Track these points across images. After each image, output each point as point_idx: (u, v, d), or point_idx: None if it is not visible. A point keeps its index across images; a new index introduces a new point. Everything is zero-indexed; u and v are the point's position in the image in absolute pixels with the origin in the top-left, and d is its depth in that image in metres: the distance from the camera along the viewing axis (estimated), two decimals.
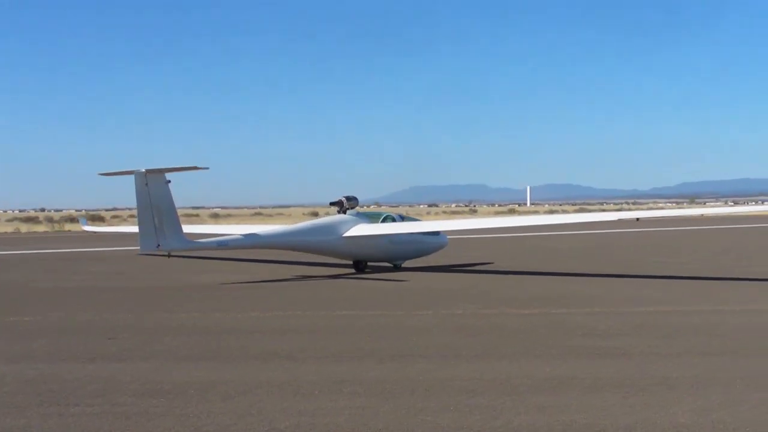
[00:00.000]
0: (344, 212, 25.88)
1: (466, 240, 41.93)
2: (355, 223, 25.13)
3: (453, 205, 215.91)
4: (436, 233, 27.12)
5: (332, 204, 26.53)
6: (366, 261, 25.81)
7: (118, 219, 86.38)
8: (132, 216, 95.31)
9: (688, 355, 10.98)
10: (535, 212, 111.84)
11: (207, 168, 21.89)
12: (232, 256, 30.93)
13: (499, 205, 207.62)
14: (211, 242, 23.47)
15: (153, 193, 20.83)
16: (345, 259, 25.76)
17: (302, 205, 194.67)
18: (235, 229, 27.57)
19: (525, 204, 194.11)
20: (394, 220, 26.24)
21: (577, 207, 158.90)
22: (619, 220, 26.97)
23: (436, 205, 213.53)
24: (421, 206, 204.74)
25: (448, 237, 28.43)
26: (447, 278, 22.82)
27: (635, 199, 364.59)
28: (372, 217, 26.29)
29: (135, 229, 23.06)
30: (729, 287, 19.43)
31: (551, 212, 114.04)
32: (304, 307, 16.46)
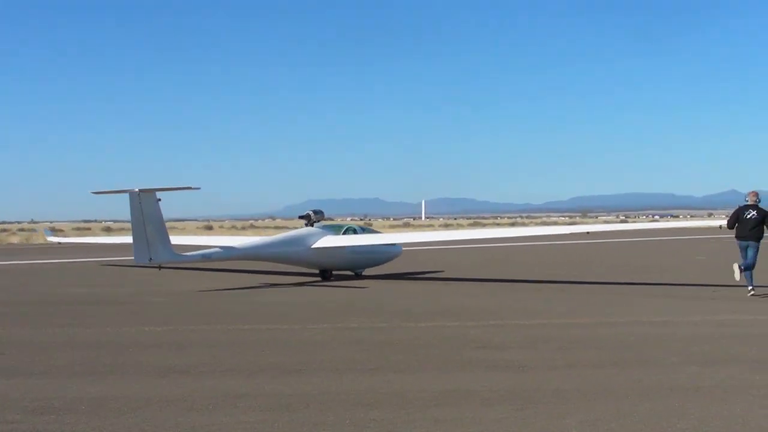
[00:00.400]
0: (312, 225, 27.96)
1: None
2: (323, 235, 27.09)
3: (348, 219, 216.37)
4: (392, 244, 29.43)
5: (301, 217, 28.94)
6: (331, 270, 27.44)
7: (81, 231, 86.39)
8: (105, 228, 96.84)
9: (580, 368, 11.19)
10: (430, 226, 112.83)
11: (198, 188, 23.96)
12: (211, 267, 31.27)
13: (394, 219, 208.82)
14: (196, 255, 25.18)
15: (145, 210, 22.67)
16: (313, 268, 27.48)
17: (195, 219, 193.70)
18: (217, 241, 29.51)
19: (420, 218, 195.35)
20: (355, 231, 28.48)
21: (471, 221, 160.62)
22: (588, 233, 28.97)
23: (332, 219, 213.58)
24: None
25: (403, 248, 30.95)
26: (350, 291, 22.84)
27: (529, 212, 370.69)
28: (336, 230, 28.30)
29: (98, 239, 25.59)
30: (620, 300, 19.83)
31: (446, 226, 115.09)
32: (207, 321, 16.33)
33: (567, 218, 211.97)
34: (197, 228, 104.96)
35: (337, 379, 10.52)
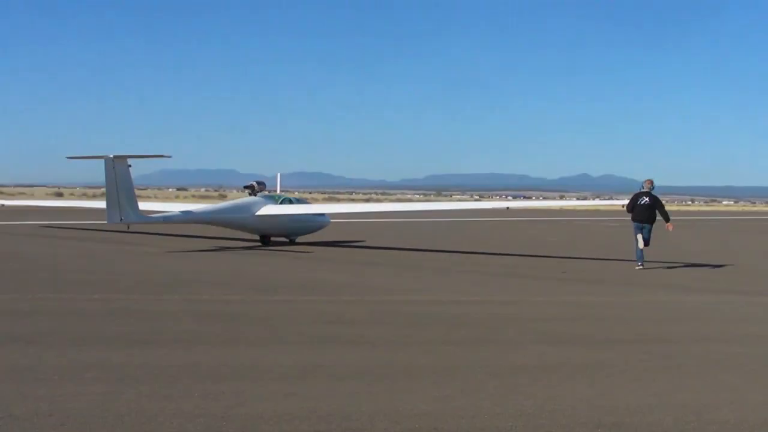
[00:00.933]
0: (254, 195, 30.56)
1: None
2: (264, 204, 29.74)
3: (203, 189, 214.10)
4: (322, 215, 32.18)
5: (245, 188, 31.70)
6: (270, 236, 30.16)
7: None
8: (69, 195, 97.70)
9: (431, 344, 11.33)
10: None
11: (169, 156, 28.25)
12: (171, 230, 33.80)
13: None
14: (159, 217, 28.54)
15: (119, 175, 25.24)
16: (255, 233, 30.32)
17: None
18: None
19: (275, 191, 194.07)
20: (290, 202, 31.32)
21: (326, 195, 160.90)
22: (507, 209, 34.95)
23: (186, 189, 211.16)
24: (170, 190, 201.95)
25: (331, 219, 33.94)
26: (216, 260, 22.60)
27: (384, 189, 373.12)
28: (275, 199, 30.57)
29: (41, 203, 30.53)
30: (477, 279, 20.18)
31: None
32: (58, 290, 15.89)
33: (422, 196, 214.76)
34: (46, 194, 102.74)
35: (187, 351, 10.41)
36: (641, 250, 22.97)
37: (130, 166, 25.66)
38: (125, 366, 9.51)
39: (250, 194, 30.84)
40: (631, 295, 17.54)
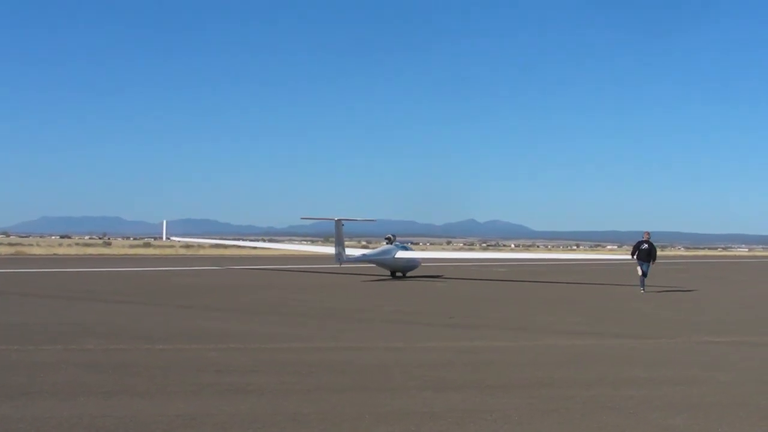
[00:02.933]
0: (391, 243, 44.35)
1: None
2: (399, 250, 43.77)
3: (87, 237, 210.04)
4: (416, 258, 45.95)
5: (386, 238, 45.00)
6: (396, 272, 43.84)
7: None
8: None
9: (318, 392, 11.32)
10: (172, 246, 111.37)
11: (374, 220, 49.28)
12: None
13: (134, 239, 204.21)
14: (356, 257, 43.53)
15: (338, 232, 40.69)
16: (390, 270, 43.92)
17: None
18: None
19: (161, 238, 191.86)
20: (405, 248, 44.95)
21: (213, 242, 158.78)
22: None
23: (69, 237, 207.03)
24: (53, 237, 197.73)
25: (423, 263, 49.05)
26: (109, 311, 22.15)
27: (272, 236, 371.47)
28: (402, 247, 44.57)
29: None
30: (363, 327, 20.20)
31: (188, 247, 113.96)
32: None
33: (309, 242, 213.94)
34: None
35: (69, 403, 10.20)
36: (642, 278, 33.72)
37: (343, 225, 41.07)
38: (6, 419, 9.31)
39: (387, 243, 44.40)
40: (521, 340, 17.75)
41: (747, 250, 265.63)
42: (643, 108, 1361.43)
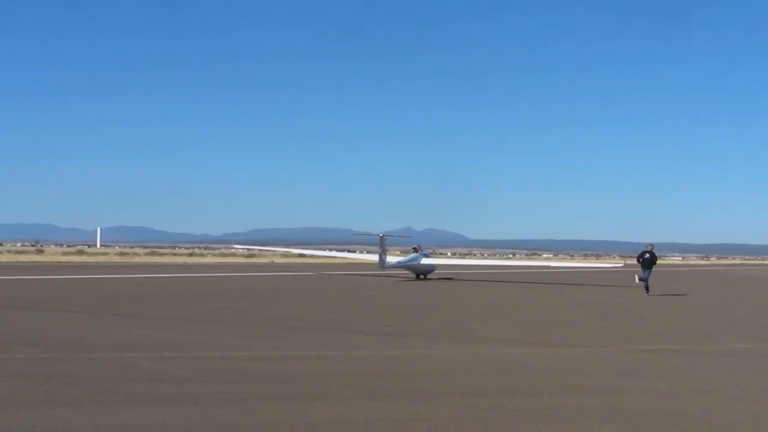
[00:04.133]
0: (417, 252, 56.93)
1: None
2: (423, 257, 56.54)
3: (19, 244, 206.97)
4: (434, 264, 58.68)
5: (413, 248, 57.86)
6: (420, 274, 55.58)
7: None
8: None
9: (253, 401, 11.29)
10: (106, 254, 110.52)
11: (410, 237, 73.21)
12: None
13: (68, 246, 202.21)
14: (393, 264, 55.63)
15: (383, 243, 54.61)
16: (416, 273, 55.55)
17: None
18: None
19: (95, 245, 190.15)
20: (427, 256, 58.57)
21: (149, 250, 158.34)
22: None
23: (1, 244, 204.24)
24: None
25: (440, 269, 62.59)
26: (44, 321, 21.81)
27: (207, 243, 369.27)
28: (425, 255, 57.67)
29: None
30: (294, 335, 20.14)
31: (122, 254, 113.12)
32: None
33: (246, 250, 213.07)
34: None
35: None
36: (640, 280, 39.56)
37: (382, 236, 55.08)
38: None
39: (414, 251, 57.39)
40: (455, 348, 17.83)
41: (680, 258, 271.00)
42: (572, 120, 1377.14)
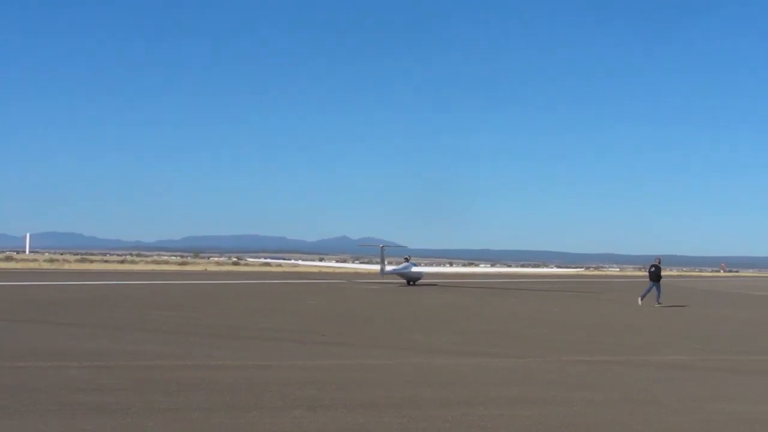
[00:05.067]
0: (408, 261, 64.99)
1: None
2: (413, 266, 65.10)
3: None
4: (422, 272, 67.45)
5: (405, 258, 65.88)
6: (411, 281, 63.82)
7: None
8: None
9: (186, 411, 11.18)
10: (35, 260, 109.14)
11: (406, 246, 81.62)
12: None
13: None
14: (392, 270, 63.84)
15: (383, 253, 62.53)
16: (407, 279, 63.61)
17: None
18: None
19: (24, 251, 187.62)
20: (415, 265, 66.05)
21: (79, 256, 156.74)
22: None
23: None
24: None
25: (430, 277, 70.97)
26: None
27: (139, 250, 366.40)
28: (414, 264, 65.92)
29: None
30: (235, 344, 20.02)
31: (51, 261, 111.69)
32: None
33: (179, 257, 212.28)
34: None
35: None
36: (657, 294, 41.34)
37: (382, 247, 63.34)
38: None
39: (405, 261, 65.24)
40: (392, 358, 17.84)
41: (618, 269, 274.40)
42: (506, 128, 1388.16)
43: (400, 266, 65.87)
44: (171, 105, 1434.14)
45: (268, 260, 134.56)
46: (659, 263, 42.49)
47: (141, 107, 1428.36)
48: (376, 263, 66.49)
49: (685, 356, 20.72)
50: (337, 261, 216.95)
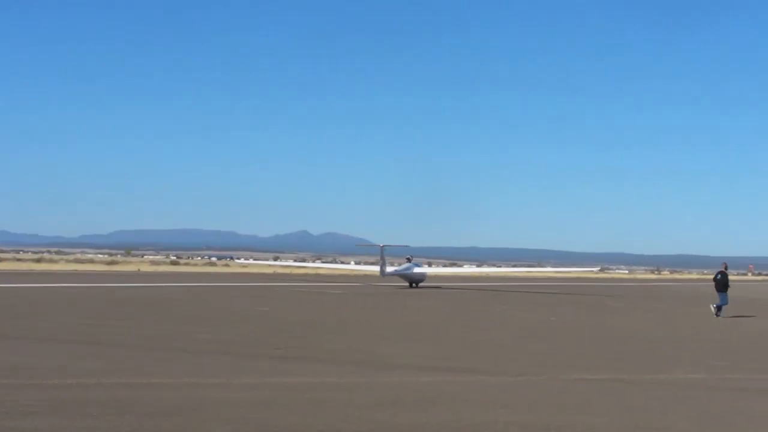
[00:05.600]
0: (410, 261, 71.90)
1: None
2: (415, 266, 72.13)
3: None
4: (425, 273, 75.01)
5: (407, 258, 72.60)
6: (414, 283, 70.34)
7: None
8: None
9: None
10: None
11: (408, 246, 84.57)
12: None
13: None
14: (393, 272, 71.03)
15: (382, 254, 70.87)
16: (409, 281, 70.50)
17: None
18: None
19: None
20: (418, 266, 73.34)
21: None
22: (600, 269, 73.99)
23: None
24: None
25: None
26: None
27: (60, 247, 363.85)
28: (416, 265, 72.63)
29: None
30: (179, 357, 19.99)
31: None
32: None
33: (107, 255, 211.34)
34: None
35: None
36: (719, 305, 42.17)
37: (382, 247, 70.33)
38: None
39: (407, 261, 72.02)
40: (360, 376, 17.82)
41: (627, 272, 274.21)
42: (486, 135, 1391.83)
43: (402, 267, 72.15)
44: (97, 86, 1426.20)
45: (213, 258, 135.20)
46: (726, 269, 43.23)
47: (64, 87, 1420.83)
48: (353, 263, 70.23)
49: (704, 374, 20.74)
50: (295, 260, 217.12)
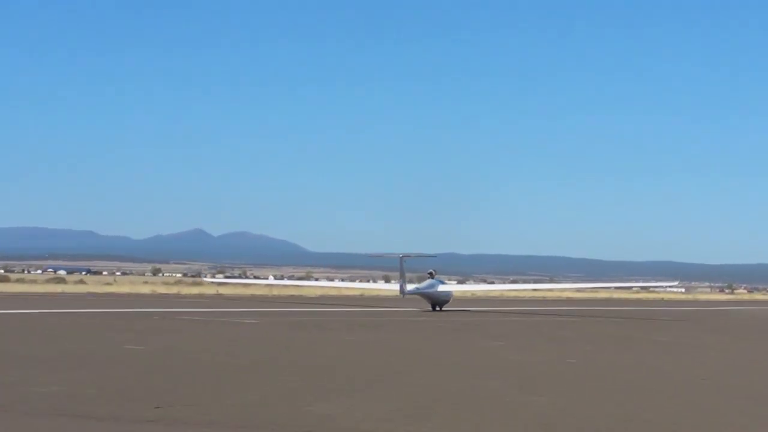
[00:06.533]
0: (432, 278, 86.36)
1: None
2: (440, 285, 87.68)
3: None
4: (450, 291, 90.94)
5: (429, 273, 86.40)
6: (438, 305, 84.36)
7: None
8: None
9: None
10: None
11: (435, 256, 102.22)
12: None
13: None
14: (412, 290, 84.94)
15: (402, 266, 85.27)
16: (433, 302, 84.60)
17: None
18: None
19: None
20: (443, 283, 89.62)
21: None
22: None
23: None
24: None
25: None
26: None
27: None
28: (441, 282, 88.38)
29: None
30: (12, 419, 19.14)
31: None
32: None
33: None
34: None
35: None
36: None
37: (401, 257, 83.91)
38: None
39: (428, 277, 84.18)
40: None
41: (683, 290, 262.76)
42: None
43: (424, 284, 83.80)
44: None
45: (62, 272, 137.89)
46: None
47: None
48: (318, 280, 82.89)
49: None
50: (186, 274, 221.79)
